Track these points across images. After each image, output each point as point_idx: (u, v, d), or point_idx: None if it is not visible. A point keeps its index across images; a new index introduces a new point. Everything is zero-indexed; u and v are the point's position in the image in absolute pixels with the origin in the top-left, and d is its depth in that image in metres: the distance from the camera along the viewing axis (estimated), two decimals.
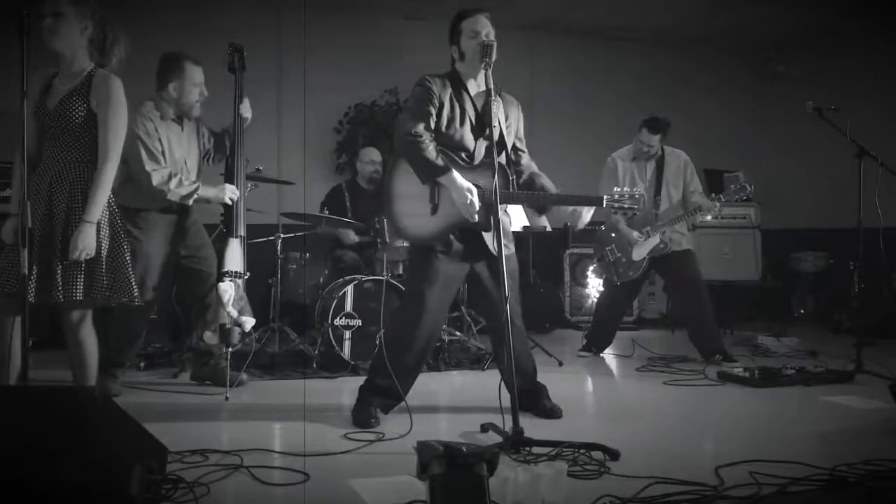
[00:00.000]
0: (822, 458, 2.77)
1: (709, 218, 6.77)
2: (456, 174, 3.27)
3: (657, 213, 5.19)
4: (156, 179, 3.88)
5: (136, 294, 3.18)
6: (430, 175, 3.29)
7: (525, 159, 3.67)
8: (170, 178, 3.92)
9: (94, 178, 3.06)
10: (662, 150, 5.31)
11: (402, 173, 3.37)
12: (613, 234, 5.33)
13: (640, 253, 5.20)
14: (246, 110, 4.19)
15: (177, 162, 4.05)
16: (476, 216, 3.29)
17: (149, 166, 3.88)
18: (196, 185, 4.01)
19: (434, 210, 3.35)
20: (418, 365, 3.54)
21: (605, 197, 3.48)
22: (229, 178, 4.17)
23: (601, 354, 5.56)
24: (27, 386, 2.86)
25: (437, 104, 3.36)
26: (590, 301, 7.26)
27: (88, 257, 3.03)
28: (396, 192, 3.40)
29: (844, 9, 6.92)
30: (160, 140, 3.96)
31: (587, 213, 3.64)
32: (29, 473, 1.99)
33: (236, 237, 4.06)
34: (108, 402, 2.33)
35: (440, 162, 3.26)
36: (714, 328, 5.23)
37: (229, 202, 4.08)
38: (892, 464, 2.70)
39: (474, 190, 3.28)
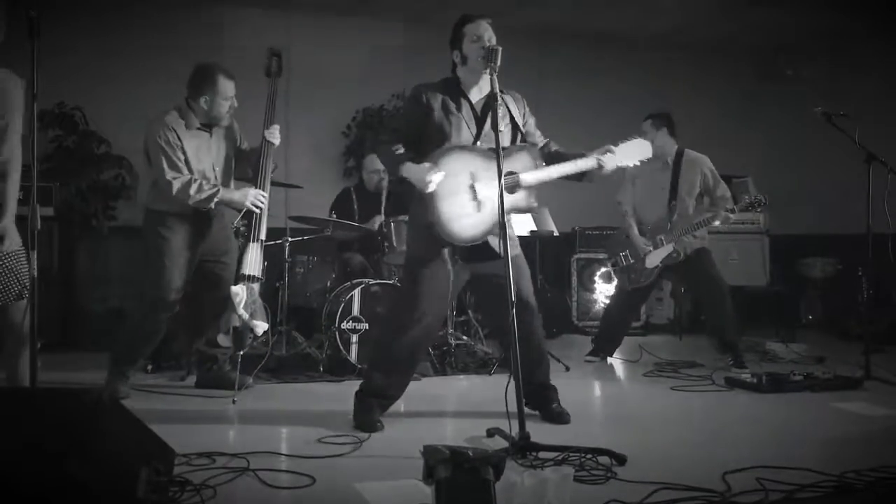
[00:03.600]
0: (829, 464, 2.75)
1: (717, 223, 6.77)
2: (408, 165, 3.30)
3: (671, 221, 5.18)
4: (175, 188, 3.94)
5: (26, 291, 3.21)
6: (394, 171, 3.37)
7: (553, 145, 3.67)
8: (188, 184, 3.96)
9: (9, 178, 3.09)
10: (680, 154, 5.29)
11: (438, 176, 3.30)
12: (627, 241, 5.33)
13: (653, 261, 5.20)
14: (274, 137, 4.20)
15: (203, 169, 4.09)
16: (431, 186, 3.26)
17: (169, 175, 3.95)
18: (216, 188, 4.04)
19: (479, 207, 3.34)
20: (409, 365, 3.55)
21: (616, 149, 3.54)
22: (255, 183, 4.18)
23: (608, 359, 5.55)
24: (36, 388, 2.87)
25: (424, 111, 3.38)
26: (597, 306, 7.25)
27: (8, 251, 3.06)
28: (435, 196, 3.30)
29: (851, 12, 6.91)
30: (183, 149, 4.00)
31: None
32: (37, 474, 2.00)
33: (256, 241, 4.09)
34: (116, 403, 2.34)
35: (397, 156, 3.34)
36: (731, 324, 5.14)
37: (252, 208, 4.08)
38: None
39: (425, 165, 3.26)
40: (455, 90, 3.44)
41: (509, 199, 3.32)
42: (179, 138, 4.00)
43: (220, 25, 6.63)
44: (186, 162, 4.02)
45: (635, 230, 5.28)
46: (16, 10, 2.90)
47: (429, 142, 3.38)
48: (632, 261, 5.30)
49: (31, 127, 2.81)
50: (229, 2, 6.79)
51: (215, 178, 4.16)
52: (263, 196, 4.12)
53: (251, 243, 4.08)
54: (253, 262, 4.05)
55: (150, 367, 4.78)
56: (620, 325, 5.60)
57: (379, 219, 5.36)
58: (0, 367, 3.26)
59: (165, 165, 3.96)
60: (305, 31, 7.11)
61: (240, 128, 4.36)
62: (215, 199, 4.03)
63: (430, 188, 3.24)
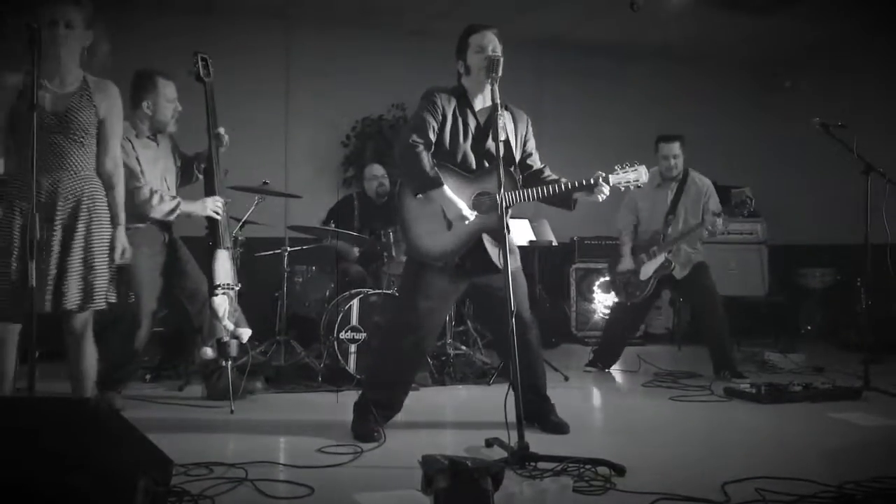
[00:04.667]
0: (829, 475, 2.75)
1: (707, 230, 6.80)
2: (446, 190, 3.28)
3: (665, 235, 5.22)
4: (138, 197, 3.88)
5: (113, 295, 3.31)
6: (422, 187, 3.30)
7: (547, 171, 3.64)
8: (151, 195, 3.92)
9: (114, 182, 3.26)
10: (687, 173, 5.33)
11: (411, 195, 3.39)
12: (621, 257, 5.41)
13: (646, 272, 5.25)
14: (223, 134, 4.19)
15: (158, 179, 4.06)
16: (467, 222, 3.32)
17: (129, 184, 3.81)
18: (177, 200, 4.02)
19: (449, 225, 3.36)
20: (408, 376, 3.56)
21: (610, 175, 3.46)
22: (209, 191, 4.13)
23: (607, 370, 5.55)
24: (34, 396, 2.87)
25: (440, 117, 3.38)
26: (596, 316, 7.25)
27: (126, 261, 3.26)
28: (410, 215, 3.40)
29: (851, 24, 6.94)
30: (137, 159, 3.95)
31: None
32: (35, 484, 2.00)
33: (224, 249, 4.05)
34: (114, 413, 2.34)
35: (433, 175, 3.28)
36: (725, 342, 5.21)
37: (213, 215, 4.05)
38: None
39: (465, 208, 3.31)
40: (463, 99, 3.46)
41: (482, 220, 3.36)
42: (134, 148, 3.95)
43: (220, 38, 6.63)
44: (141, 172, 3.96)
45: (627, 249, 5.38)
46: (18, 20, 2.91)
47: (436, 148, 3.39)
48: (627, 275, 5.34)
49: (32, 138, 2.81)
50: (229, 14, 6.81)
51: (168, 188, 4.11)
52: (220, 202, 4.09)
53: (219, 251, 4.02)
54: (224, 270, 4.00)
55: (148, 377, 4.76)
56: (621, 337, 5.62)
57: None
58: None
59: (125, 175, 3.84)
60: (305, 42, 7.14)
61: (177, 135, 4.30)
62: (177, 212, 3.99)
63: (468, 222, 3.31)
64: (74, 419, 2.14)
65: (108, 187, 3.27)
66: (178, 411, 4.03)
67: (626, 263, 5.34)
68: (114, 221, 3.26)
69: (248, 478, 2.72)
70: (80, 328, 3.26)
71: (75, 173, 3.16)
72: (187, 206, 4.03)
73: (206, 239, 4.10)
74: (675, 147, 5.27)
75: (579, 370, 5.47)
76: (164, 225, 4.10)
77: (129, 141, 3.94)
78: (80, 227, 3.15)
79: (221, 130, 4.19)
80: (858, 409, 4.09)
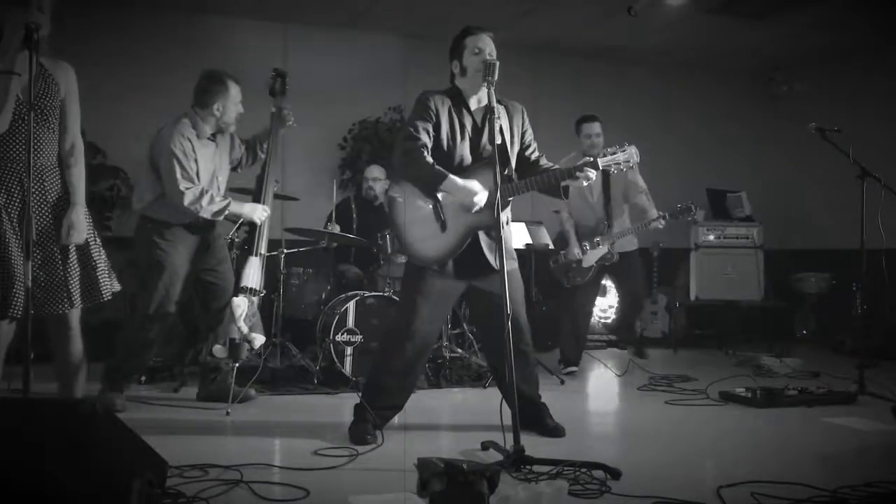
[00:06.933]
0: (824, 479, 2.76)
1: (711, 238, 6.84)
2: (455, 178, 3.28)
3: (609, 223, 5.43)
4: (188, 198, 3.93)
5: (113, 288, 3.27)
6: (432, 183, 3.30)
7: (543, 160, 3.64)
8: (201, 195, 3.97)
9: (73, 162, 3.14)
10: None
11: (402, 201, 3.39)
12: (566, 242, 5.58)
13: (588, 260, 5.46)
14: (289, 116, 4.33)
15: (210, 179, 4.11)
16: (478, 207, 3.30)
17: (182, 185, 3.93)
18: (227, 201, 4.06)
19: (443, 227, 3.36)
20: (409, 378, 3.56)
21: (599, 159, 3.46)
22: (258, 197, 4.22)
23: (602, 369, 5.56)
24: (29, 398, 2.86)
25: (435, 120, 3.38)
26: (591, 319, 7.23)
27: (79, 242, 3.10)
28: (403, 221, 3.41)
29: (847, 30, 6.96)
30: (196, 160, 4.00)
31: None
32: (30, 485, 1.99)
33: (256, 255, 4.11)
34: (109, 414, 2.33)
35: (437, 170, 3.28)
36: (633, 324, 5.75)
37: (257, 221, 4.12)
38: (894, 486, 2.69)
39: (475, 185, 3.29)
40: (458, 100, 3.47)
41: (476, 218, 3.36)
42: (194, 149, 4.00)
43: (217, 38, 6.64)
44: (197, 173, 4.01)
45: (573, 235, 5.51)
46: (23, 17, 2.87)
47: (433, 150, 3.38)
48: (569, 258, 5.49)
49: (29, 137, 2.80)
50: (226, 14, 6.81)
51: (218, 188, 4.17)
52: (266, 210, 4.17)
53: (252, 257, 4.11)
54: (253, 275, 4.09)
55: (143, 379, 4.75)
56: (573, 325, 5.64)
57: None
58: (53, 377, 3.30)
59: (179, 175, 3.93)
60: (303, 44, 7.13)
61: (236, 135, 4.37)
62: (226, 212, 4.05)
63: (476, 209, 3.30)
64: (69, 420, 2.14)
65: (66, 166, 3.17)
66: (173, 413, 4.03)
67: (575, 252, 5.45)
68: (70, 200, 3.15)
69: (244, 480, 2.72)
70: (74, 325, 3.22)
71: (47, 160, 3.09)
72: (236, 208, 4.09)
73: (242, 243, 4.15)
74: (597, 126, 5.53)
75: (576, 373, 5.46)
76: (206, 225, 4.14)
77: (190, 141, 3.99)
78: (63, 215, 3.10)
79: (281, 116, 4.31)
80: (853, 414, 4.10)
